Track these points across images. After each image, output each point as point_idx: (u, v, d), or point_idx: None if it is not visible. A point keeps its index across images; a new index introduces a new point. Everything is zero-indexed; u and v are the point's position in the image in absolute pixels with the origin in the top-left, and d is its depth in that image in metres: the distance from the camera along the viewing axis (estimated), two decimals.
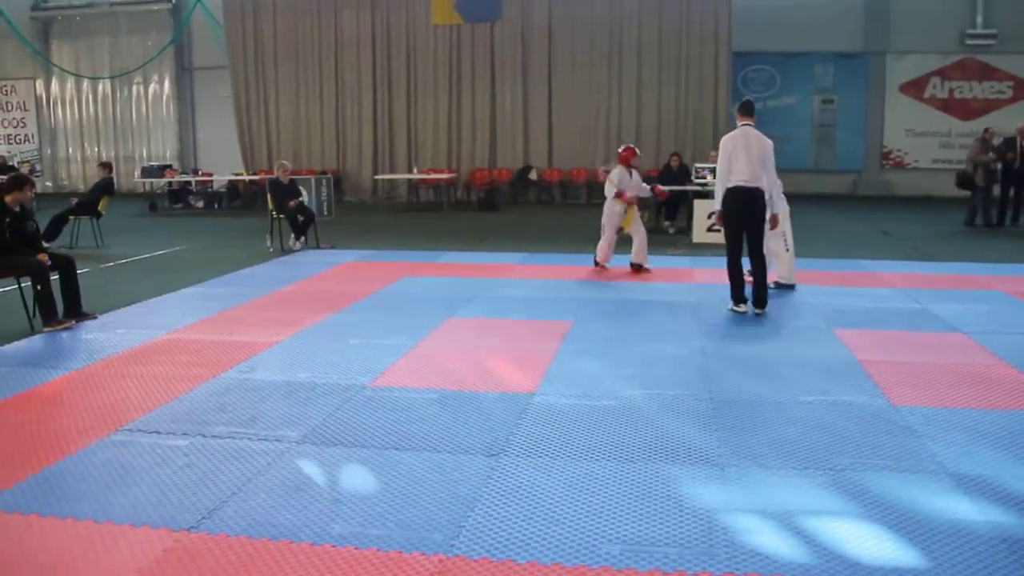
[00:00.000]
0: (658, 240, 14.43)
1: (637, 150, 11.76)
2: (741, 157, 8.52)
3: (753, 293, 8.90)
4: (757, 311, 8.87)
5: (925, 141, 24.53)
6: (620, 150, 11.69)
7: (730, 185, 8.57)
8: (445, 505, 4.44)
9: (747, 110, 8.97)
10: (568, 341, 7.79)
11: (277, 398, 6.20)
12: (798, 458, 5.03)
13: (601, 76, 22.28)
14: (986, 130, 17.61)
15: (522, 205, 21.53)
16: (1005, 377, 6.76)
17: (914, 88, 25.01)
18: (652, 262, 11.99)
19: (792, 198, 10.49)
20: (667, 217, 16.06)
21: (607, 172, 11.98)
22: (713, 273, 10.53)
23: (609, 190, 11.41)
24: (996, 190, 17.12)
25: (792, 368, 6.97)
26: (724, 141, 8.78)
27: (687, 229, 14.85)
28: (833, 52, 24.80)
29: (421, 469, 4.92)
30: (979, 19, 24.43)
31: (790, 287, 10.18)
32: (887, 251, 13.49)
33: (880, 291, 10.17)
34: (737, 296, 8.88)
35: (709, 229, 14.25)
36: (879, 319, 8.73)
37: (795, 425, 5.59)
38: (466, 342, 7.83)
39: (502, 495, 4.57)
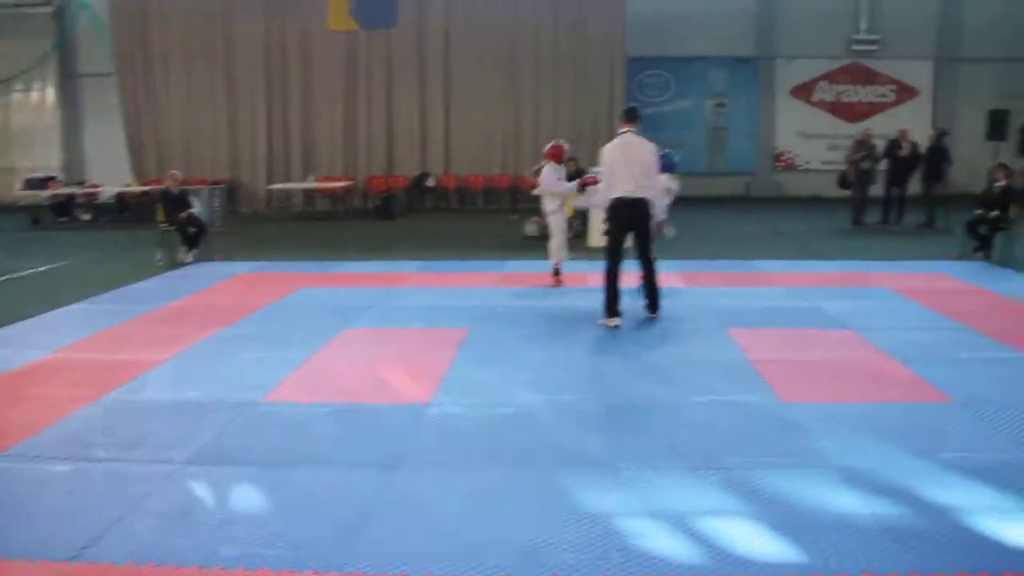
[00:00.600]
0: None
1: (566, 146, 11.41)
2: (621, 167, 8.43)
3: (645, 297, 8.89)
4: (650, 315, 8.88)
5: (814, 143, 25.19)
6: (548, 147, 11.26)
7: (614, 195, 8.51)
8: (338, 522, 4.36)
9: (628, 117, 8.88)
10: (464, 349, 7.74)
11: (165, 418, 6.01)
12: (691, 459, 5.09)
13: (498, 82, 22.30)
14: (864, 132, 18.21)
15: (419, 212, 21.39)
16: (890, 372, 6.96)
17: (803, 92, 25.67)
18: (546, 267, 12.03)
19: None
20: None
21: (534, 172, 11.85)
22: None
23: (544, 190, 11.09)
24: (876, 190, 17.71)
25: (685, 370, 7.07)
26: (604, 151, 8.73)
27: (584, 234, 14.93)
28: (726, 57, 25.28)
29: (313, 486, 4.83)
30: (863, 25, 25.24)
31: None
32: (780, 251, 13.79)
33: (772, 290, 10.40)
34: (610, 309, 8.61)
35: (605, 234, 14.35)
36: (771, 318, 8.91)
37: (688, 426, 5.66)
38: (360, 354, 7.72)
39: (396, 509, 4.52)
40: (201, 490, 4.83)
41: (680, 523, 4.26)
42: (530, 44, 22.19)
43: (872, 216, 17.64)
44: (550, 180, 10.90)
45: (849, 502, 4.49)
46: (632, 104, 9.34)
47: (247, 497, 4.75)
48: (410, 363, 7.35)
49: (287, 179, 22.24)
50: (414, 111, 22.36)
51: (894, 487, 4.66)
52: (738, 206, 22.44)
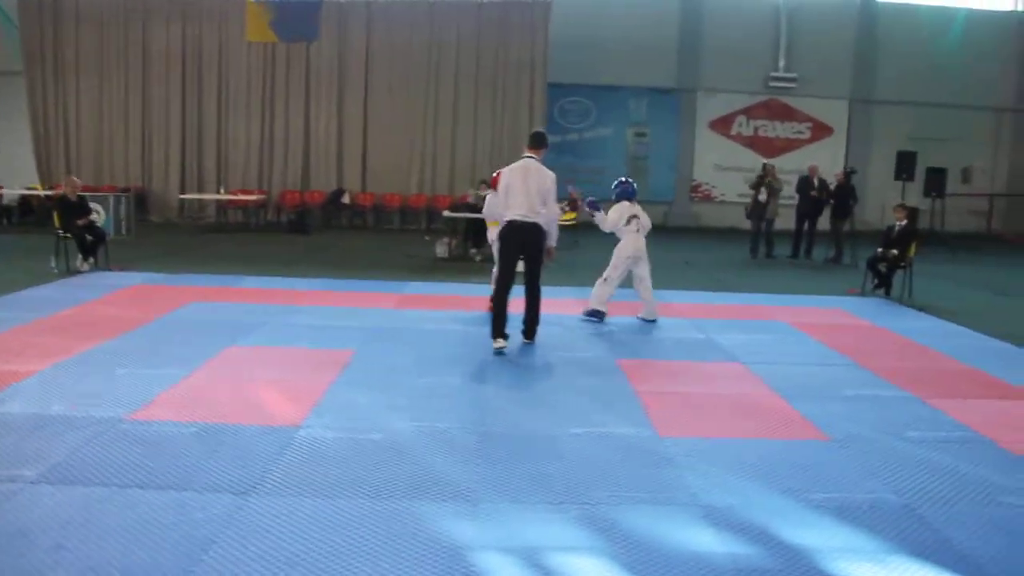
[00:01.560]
0: (463, 268, 14.42)
1: None
2: (519, 191, 8.37)
3: (524, 322, 8.80)
4: (525, 340, 8.81)
5: (731, 176, 25.55)
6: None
7: (508, 218, 8.45)
8: (178, 547, 4.17)
9: (534, 143, 8.79)
10: (347, 371, 7.55)
11: (23, 433, 5.71)
12: (556, 492, 4.99)
13: (418, 101, 22.17)
14: (764, 166, 18.54)
15: (334, 229, 21.11)
16: (772, 408, 6.96)
17: (722, 125, 26.08)
18: (453, 290, 11.93)
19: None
20: (474, 244, 16.04)
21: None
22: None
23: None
24: (788, 223, 18.02)
25: (569, 399, 6.98)
26: (504, 173, 8.69)
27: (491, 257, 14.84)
28: (647, 87, 25.58)
29: (161, 509, 4.61)
30: (781, 63, 25.76)
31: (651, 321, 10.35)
32: (687, 281, 13.85)
33: (670, 321, 10.37)
34: (497, 330, 8.48)
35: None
36: (663, 349, 8.91)
37: (560, 459, 5.56)
38: (240, 373, 7.46)
39: (242, 536, 4.32)
40: (42, 511, 4.57)
41: (531, 558, 4.15)
42: (451, 66, 22.12)
43: (783, 250, 17.94)
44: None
45: (707, 541, 4.42)
46: (540, 130, 9.05)
47: (89, 519, 4.50)
48: (288, 384, 7.12)
49: (201, 190, 21.80)
50: (332, 127, 22.10)
51: (756, 527, 4.61)
52: (654, 235, 22.13)
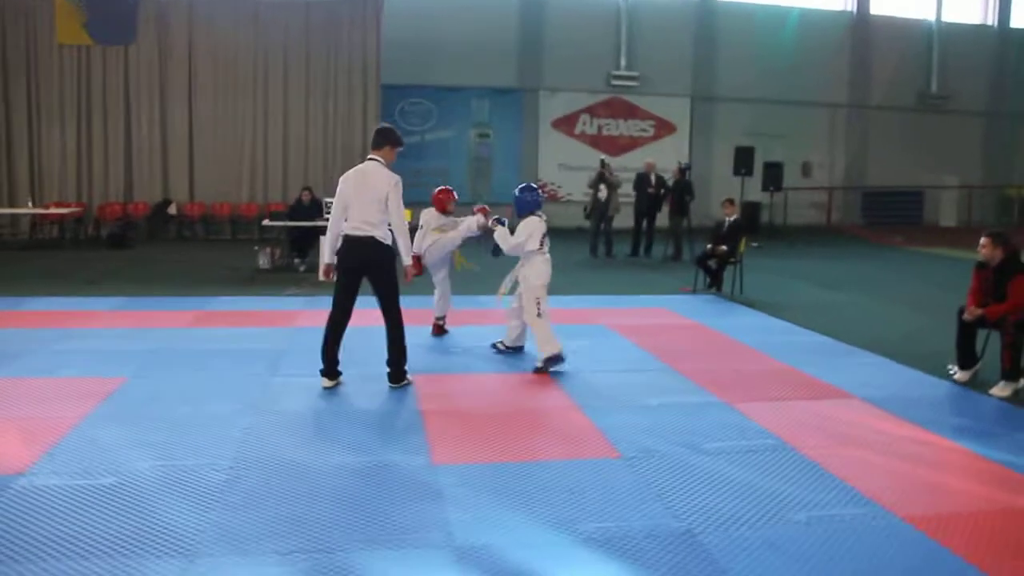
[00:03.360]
0: (283, 280, 13.63)
1: (455, 194, 9.76)
2: (355, 200, 7.12)
3: (387, 364, 7.43)
4: (392, 385, 7.36)
5: (576, 175, 25.26)
6: (436, 192, 9.68)
7: (344, 232, 7.20)
8: None
9: (377, 141, 7.36)
10: (106, 403, 6.71)
11: None
12: (292, 539, 4.36)
13: (246, 106, 21.10)
14: (601, 162, 18.35)
15: (161, 242, 19.83)
16: (566, 422, 6.51)
17: (565, 124, 25.86)
18: (263, 304, 11.17)
19: None
20: (298, 255, 15.23)
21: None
22: (317, 316, 9.53)
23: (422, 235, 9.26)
24: (627, 221, 17.85)
25: (346, 425, 6.34)
26: (340, 180, 7.31)
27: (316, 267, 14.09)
28: (489, 88, 25.14)
29: None
30: (623, 61, 25.73)
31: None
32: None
33: (481, 330, 9.71)
34: (325, 367, 7.33)
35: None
36: (465, 362, 8.36)
37: (312, 496, 4.93)
38: None
39: None
40: None
41: None
42: (279, 67, 21.14)
43: (624, 248, 17.77)
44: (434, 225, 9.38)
45: None
46: (384, 125, 7.69)
47: None
48: (28, 422, 6.23)
49: (11, 203, 20.21)
50: (155, 134, 20.78)
51: (509, 569, 4.08)
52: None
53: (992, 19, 29.42)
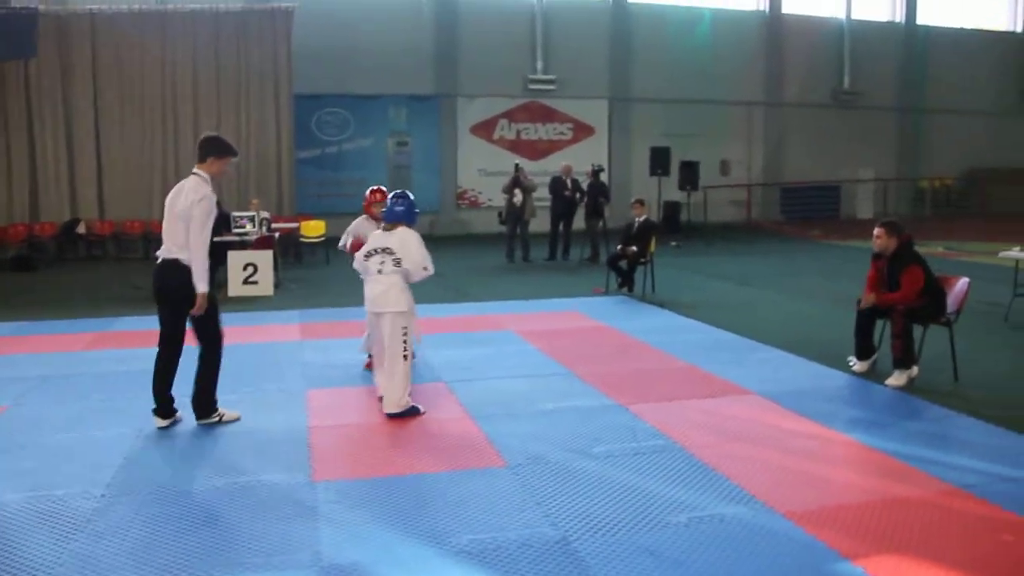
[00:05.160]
0: None
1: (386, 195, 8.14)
2: (165, 219, 6.45)
3: (193, 396, 6.67)
4: (199, 421, 6.64)
5: (496, 180, 25.07)
6: (367, 193, 8.68)
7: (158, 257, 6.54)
8: None
9: (199, 153, 6.56)
10: None
11: None
12: (149, 566, 4.20)
13: (155, 120, 20.64)
14: (516, 167, 18.31)
15: (70, 263, 19.26)
16: (456, 432, 6.43)
17: (484, 130, 25.85)
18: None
19: None
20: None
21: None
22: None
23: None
24: (544, 225, 17.81)
25: (232, 445, 6.16)
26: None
27: (224, 282, 13.81)
28: (406, 95, 25.02)
29: None
30: (539, 65, 25.80)
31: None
32: (421, 294, 13.15)
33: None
34: (159, 408, 6.63)
35: (245, 282, 13.39)
36: (361, 374, 8.17)
37: (183, 521, 4.76)
38: None
39: None
40: None
41: None
42: (188, 78, 20.74)
43: (541, 252, 17.74)
44: (361, 231, 8.36)
45: None
46: (209, 135, 6.74)
47: None
48: None
49: None
50: (61, 151, 20.21)
51: None
52: None
53: (900, 16, 30.10)
